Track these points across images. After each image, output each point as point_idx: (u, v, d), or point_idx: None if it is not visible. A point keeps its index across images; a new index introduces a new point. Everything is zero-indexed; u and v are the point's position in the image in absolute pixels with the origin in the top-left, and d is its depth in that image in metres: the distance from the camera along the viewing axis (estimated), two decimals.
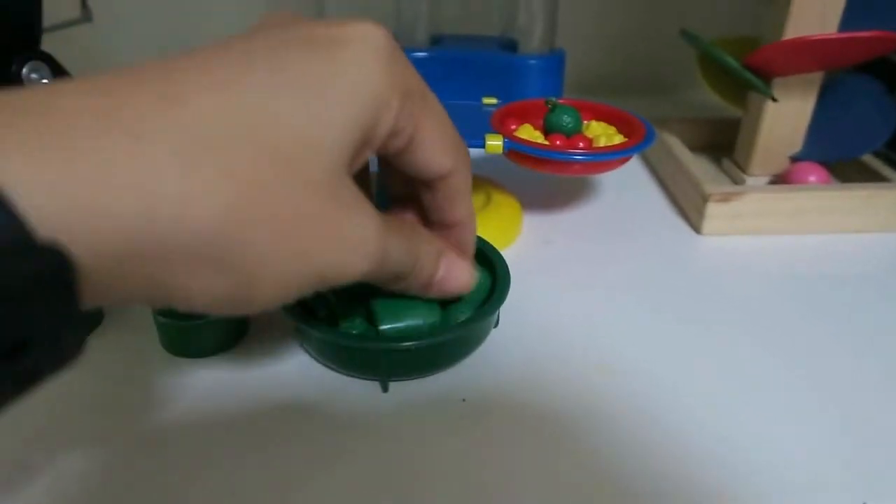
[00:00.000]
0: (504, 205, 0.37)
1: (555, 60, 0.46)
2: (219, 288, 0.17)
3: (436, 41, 0.48)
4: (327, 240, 0.19)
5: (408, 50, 0.46)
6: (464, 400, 0.26)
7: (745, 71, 0.36)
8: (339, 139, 0.18)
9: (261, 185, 0.16)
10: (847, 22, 0.34)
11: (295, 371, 0.27)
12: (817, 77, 0.37)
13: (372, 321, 0.26)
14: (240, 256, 0.16)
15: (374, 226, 0.20)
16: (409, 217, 0.27)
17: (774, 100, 0.37)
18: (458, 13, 0.54)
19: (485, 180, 0.39)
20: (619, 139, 0.35)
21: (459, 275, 0.25)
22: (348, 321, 0.27)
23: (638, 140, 0.34)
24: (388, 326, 0.26)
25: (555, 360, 0.28)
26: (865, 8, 0.33)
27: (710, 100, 0.48)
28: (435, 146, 0.23)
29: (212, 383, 0.27)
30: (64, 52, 0.39)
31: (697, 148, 0.45)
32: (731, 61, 0.36)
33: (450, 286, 0.25)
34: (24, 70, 0.37)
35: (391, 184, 0.27)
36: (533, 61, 0.45)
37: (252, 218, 0.16)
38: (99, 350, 0.28)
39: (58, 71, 0.39)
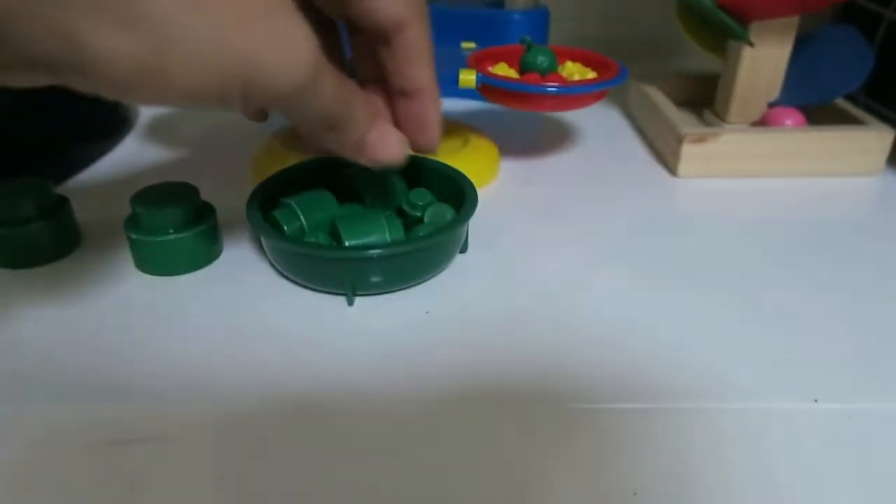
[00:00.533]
0: (481, 147, 0.38)
1: (538, 16, 0.47)
2: (127, 49, 0.16)
3: None
4: (254, 28, 0.17)
5: None
6: (427, 312, 0.26)
7: (721, 13, 0.36)
8: None
9: None
10: None
11: (263, 287, 0.28)
12: (794, 22, 0.37)
13: (338, 240, 0.27)
14: (147, 9, 0.15)
15: (312, 38, 0.19)
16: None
17: (751, 44, 0.37)
18: None
19: (462, 125, 0.40)
20: (591, 76, 0.36)
21: (393, 142, 0.25)
22: (314, 237, 0.27)
23: (612, 76, 0.34)
24: (353, 242, 0.26)
25: (518, 286, 0.28)
26: None
27: (696, 64, 0.49)
28: None
29: (183, 299, 0.27)
30: None
31: (680, 102, 0.45)
32: (707, 2, 0.36)
33: (382, 153, 0.25)
34: None
35: (359, 59, 0.27)
36: (516, 16, 0.46)
37: None
38: (74, 272, 0.29)
39: None
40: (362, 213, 0.29)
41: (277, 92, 0.19)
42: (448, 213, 0.29)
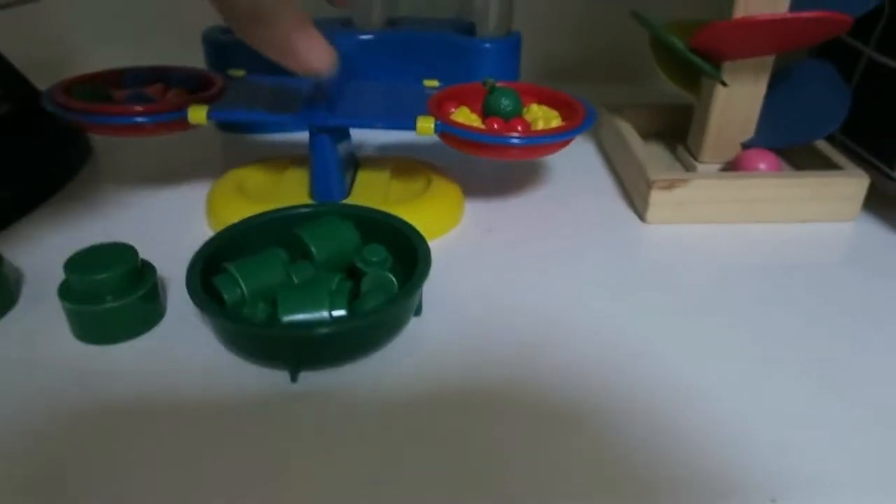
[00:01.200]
0: (444, 190, 0.36)
1: (510, 44, 0.45)
2: None
3: (392, 23, 0.47)
4: None
5: (362, 32, 0.45)
6: (374, 390, 0.25)
7: (692, 54, 0.35)
8: None
9: None
10: (797, 3, 0.33)
11: (207, 360, 0.26)
12: (769, 61, 0.36)
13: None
14: None
15: None
16: None
17: (724, 84, 0.36)
18: None
19: (425, 164, 0.38)
20: (557, 123, 0.34)
21: (321, 49, 0.28)
22: (253, 308, 0.26)
23: (577, 123, 0.33)
24: (291, 318, 0.25)
25: (478, 350, 0.27)
26: None
27: (670, 89, 0.47)
28: None
29: (122, 369, 0.26)
30: (12, 32, 0.38)
31: (653, 135, 0.44)
32: (678, 43, 0.35)
33: (307, 58, 0.28)
34: None
35: None
36: (487, 44, 0.44)
37: None
38: (8, 338, 0.27)
39: None
40: (308, 281, 0.28)
41: None
42: (388, 283, 0.28)
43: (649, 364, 0.26)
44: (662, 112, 0.44)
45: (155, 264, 0.29)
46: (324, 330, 0.24)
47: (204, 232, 0.34)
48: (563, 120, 0.35)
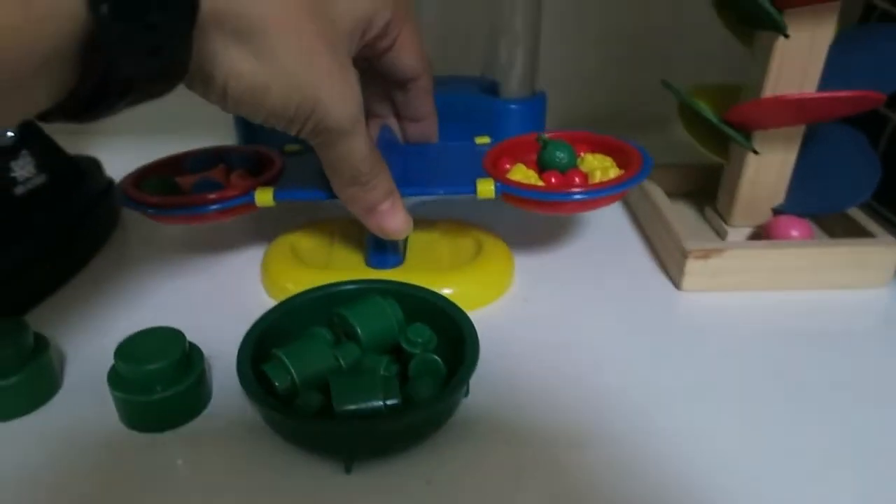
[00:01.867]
0: (496, 254, 0.36)
1: (536, 104, 0.46)
2: (244, 67, 0.24)
3: None
4: (330, 73, 0.26)
5: None
6: (429, 482, 0.25)
7: (725, 125, 0.35)
8: (353, 17, 0.28)
9: (300, 7, 0.25)
10: (828, 79, 0.34)
11: (257, 447, 0.26)
12: (799, 129, 0.36)
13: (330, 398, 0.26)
14: (269, 47, 0.24)
15: (360, 92, 0.28)
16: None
17: (755, 152, 0.37)
18: (436, 53, 0.53)
19: (473, 227, 0.39)
20: (614, 171, 0.35)
21: (401, 217, 0.32)
22: (306, 397, 0.26)
23: (633, 171, 0.33)
24: (346, 408, 0.25)
25: (528, 432, 0.27)
26: (845, 66, 0.33)
27: (691, 142, 0.48)
28: (413, 48, 0.33)
29: (167, 458, 0.26)
30: None
31: (679, 194, 0.45)
32: (711, 115, 0.36)
33: (389, 224, 0.32)
34: None
35: (368, 97, 0.32)
36: (514, 106, 0.45)
37: (289, 20, 0.24)
38: (55, 423, 0.27)
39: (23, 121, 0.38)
40: (356, 365, 0.28)
41: (331, 120, 0.27)
42: (437, 366, 0.28)
43: (692, 437, 0.27)
44: (690, 172, 0.45)
45: (198, 339, 0.29)
46: (384, 424, 0.24)
47: (250, 302, 0.34)
48: (618, 166, 0.35)
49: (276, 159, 0.37)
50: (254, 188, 0.34)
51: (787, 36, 0.32)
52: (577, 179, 0.35)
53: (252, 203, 0.34)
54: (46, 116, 0.21)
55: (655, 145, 0.48)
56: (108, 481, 0.25)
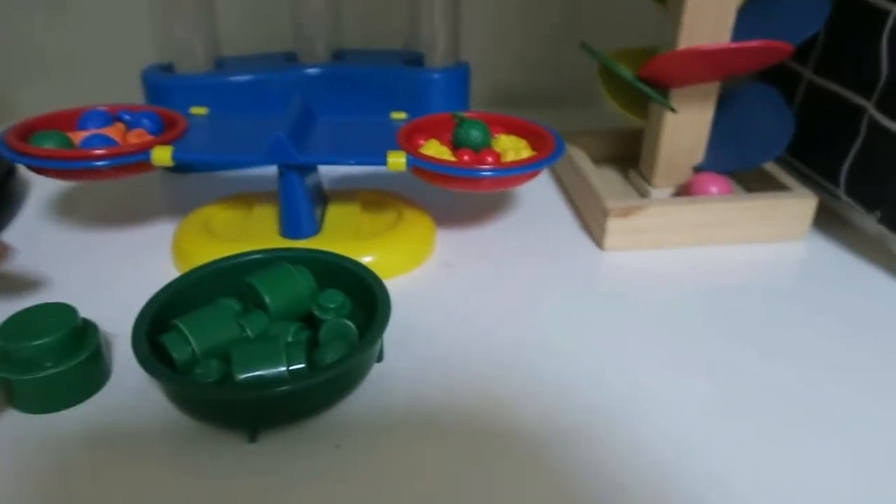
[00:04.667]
0: (416, 222, 0.36)
1: (459, 74, 0.45)
2: None
3: (338, 56, 0.46)
4: None
5: (308, 66, 0.44)
6: (338, 446, 0.24)
7: (641, 83, 0.35)
8: None
9: None
10: (739, 33, 0.34)
11: (159, 424, 0.25)
12: (715, 87, 0.36)
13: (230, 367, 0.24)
14: None
15: None
16: None
17: (673, 110, 0.37)
18: (359, 27, 0.52)
19: (395, 196, 0.38)
20: (527, 153, 0.34)
21: None
22: (206, 367, 0.25)
23: (546, 153, 0.33)
24: (246, 375, 0.24)
25: (442, 395, 0.26)
26: (755, 20, 0.33)
27: (616, 112, 0.48)
28: None
29: (67, 438, 0.24)
30: None
31: (604, 160, 0.45)
32: (626, 73, 0.35)
33: None
34: None
35: None
36: (437, 75, 0.44)
37: None
38: None
39: None
40: (262, 334, 0.27)
41: None
42: (348, 330, 0.27)
43: (608, 389, 0.26)
44: (613, 137, 0.45)
45: (102, 317, 0.27)
46: (282, 388, 0.23)
47: (160, 279, 0.33)
48: (532, 149, 0.35)
49: (181, 120, 0.35)
50: (150, 147, 0.32)
51: None
52: (489, 159, 0.34)
53: (148, 162, 0.32)
54: None
55: (578, 119, 0.48)
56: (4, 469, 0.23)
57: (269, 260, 0.30)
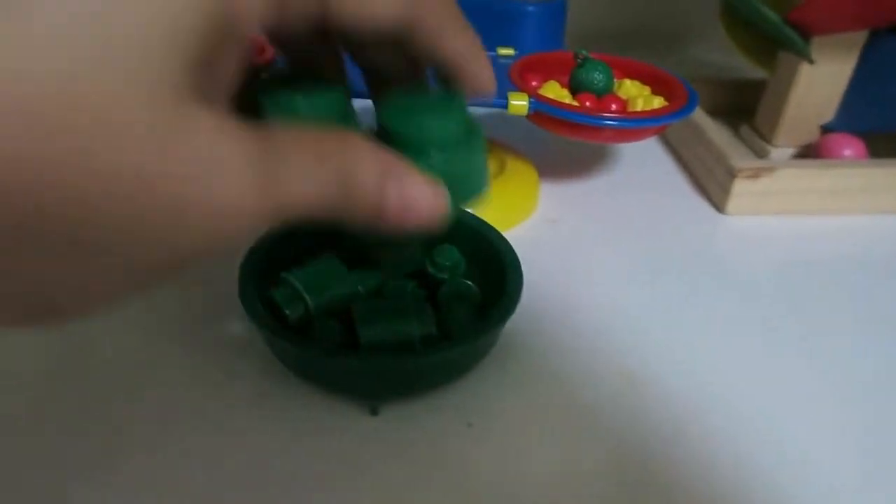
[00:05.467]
0: (520, 173, 0.32)
1: (555, 8, 0.41)
2: None
3: None
4: (159, 195, 0.11)
5: None
6: (469, 426, 0.21)
7: (786, 27, 0.31)
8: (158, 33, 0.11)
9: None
10: None
11: (266, 384, 0.22)
12: (860, 37, 0.32)
13: (352, 329, 0.22)
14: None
15: (246, 158, 0.13)
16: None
17: (811, 61, 0.33)
18: None
19: (498, 145, 0.34)
20: (657, 101, 0.31)
21: (421, 197, 0.17)
22: (324, 328, 0.22)
23: (679, 105, 0.29)
24: (373, 339, 0.21)
25: (569, 368, 0.24)
26: None
27: (719, 58, 0.44)
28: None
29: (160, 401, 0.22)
30: None
31: (712, 112, 0.41)
32: (772, 15, 0.31)
33: (412, 216, 0.17)
34: None
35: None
36: (531, 8, 0.40)
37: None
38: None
39: None
40: (377, 292, 0.24)
41: (220, 246, 0.13)
42: (470, 292, 0.24)
43: (734, 371, 0.24)
44: (722, 87, 0.41)
45: None
46: (423, 359, 0.20)
47: None
48: (656, 96, 0.31)
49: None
50: None
51: None
52: (613, 106, 0.30)
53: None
54: None
55: (676, 62, 0.44)
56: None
57: None
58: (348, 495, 0.19)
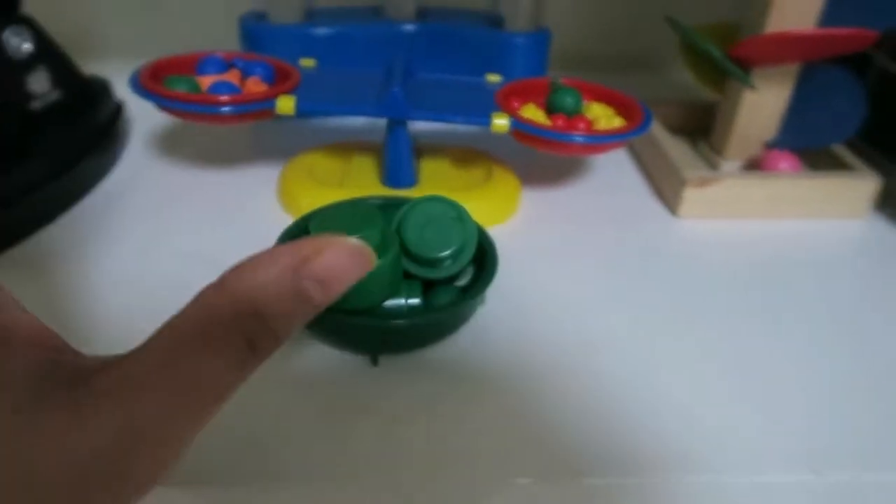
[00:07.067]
0: (504, 180, 0.38)
1: (540, 39, 0.47)
2: None
3: (422, 15, 0.48)
4: None
5: (396, 22, 0.46)
6: (452, 376, 0.27)
7: (728, 61, 0.37)
8: None
9: None
10: (827, 16, 0.35)
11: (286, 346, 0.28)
12: (794, 68, 0.38)
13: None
14: None
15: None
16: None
17: (753, 88, 0.38)
18: None
19: (485, 155, 0.40)
20: (617, 121, 0.37)
21: (337, 265, 0.19)
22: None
23: (635, 124, 0.35)
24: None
25: (538, 337, 0.29)
26: (840, 6, 0.35)
27: (688, 82, 0.49)
28: None
29: None
30: (47, 15, 0.38)
31: (675, 129, 0.47)
32: (715, 51, 0.37)
33: (336, 283, 0.19)
34: (5, 35, 0.36)
35: None
36: (519, 39, 0.46)
37: None
38: None
39: (39, 35, 0.38)
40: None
41: None
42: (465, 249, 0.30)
43: (688, 356, 0.29)
44: (684, 109, 0.47)
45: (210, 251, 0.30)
46: (419, 321, 0.26)
47: (268, 218, 0.36)
48: (618, 116, 0.37)
49: (294, 72, 0.37)
50: (273, 96, 0.34)
51: None
52: (581, 125, 0.36)
53: (268, 110, 0.34)
54: None
55: (649, 84, 0.50)
56: None
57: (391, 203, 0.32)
58: (353, 427, 0.25)
